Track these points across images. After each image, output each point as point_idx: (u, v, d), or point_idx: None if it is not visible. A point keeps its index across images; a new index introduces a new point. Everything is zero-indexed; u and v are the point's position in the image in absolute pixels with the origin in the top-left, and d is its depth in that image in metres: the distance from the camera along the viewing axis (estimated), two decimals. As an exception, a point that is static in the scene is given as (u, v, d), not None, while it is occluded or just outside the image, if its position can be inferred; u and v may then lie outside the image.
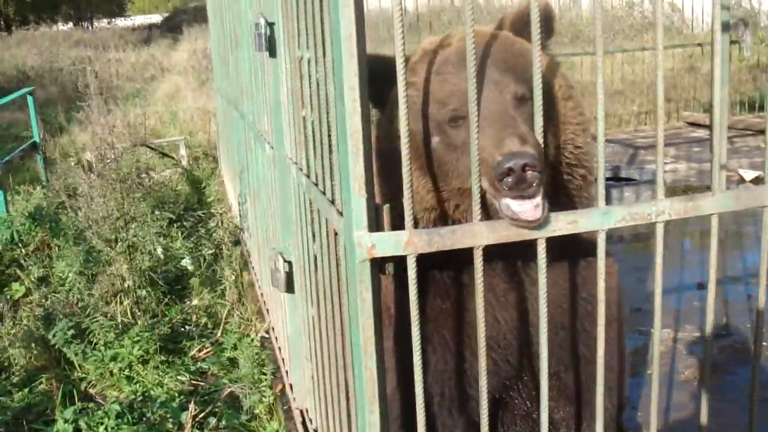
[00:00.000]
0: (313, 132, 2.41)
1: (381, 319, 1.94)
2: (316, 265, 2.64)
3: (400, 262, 1.88)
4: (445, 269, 2.46)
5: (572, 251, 2.48)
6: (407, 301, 1.87)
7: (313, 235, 2.60)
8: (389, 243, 1.83)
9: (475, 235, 1.87)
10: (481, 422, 2.00)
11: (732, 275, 5.23)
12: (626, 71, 12.67)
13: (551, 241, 1.94)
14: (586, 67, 11.78)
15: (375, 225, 1.85)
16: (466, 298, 2.49)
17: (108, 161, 5.83)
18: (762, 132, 10.46)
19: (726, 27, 6.85)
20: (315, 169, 2.43)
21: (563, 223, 1.93)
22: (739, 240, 6.14)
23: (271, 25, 3.12)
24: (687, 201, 2.04)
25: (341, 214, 1.98)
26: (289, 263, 3.29)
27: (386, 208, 1.86)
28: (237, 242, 6.42)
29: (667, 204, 2.01)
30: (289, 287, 3.30)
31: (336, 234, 2.15)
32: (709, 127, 7.42)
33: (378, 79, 2.04)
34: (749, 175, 8.05)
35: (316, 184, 2.39)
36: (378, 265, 1.88)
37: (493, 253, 2.08)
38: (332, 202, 2.14)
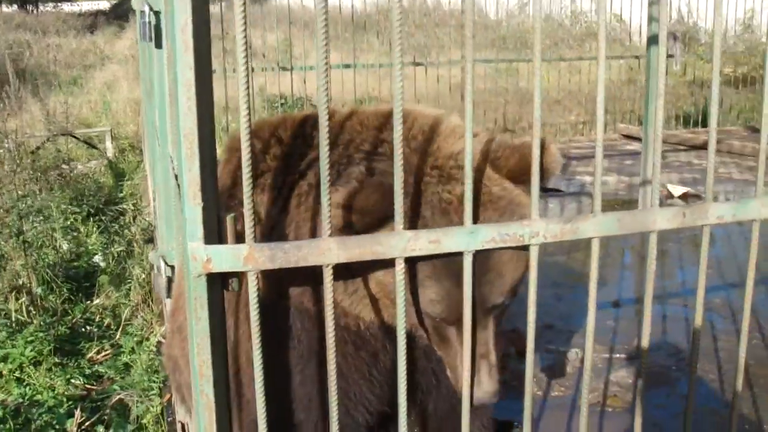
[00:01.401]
0: (173, 130, 2.22)
1: (223, 340, 1.76)
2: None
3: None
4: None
5: None
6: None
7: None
8: (227, 257, 1.65)
9: (324, 252, 1.70)
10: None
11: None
12: (564, 81, 12.63)
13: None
14: (530, 73, 11.71)
15: (216, 237, 1.67)
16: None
17: (30, 149, 5.55)
18: (694, 148, 10.49)
19: (656, 40, 6.78)
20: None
21: (424, 242, 1.76)
22: (660, 258, 6.07)
23: (156, 13, 2.92)
24: (564, 223, 1.90)
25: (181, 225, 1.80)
26: (172, 267, 3.10)
27: (229, 218, 1.69)
28: (150, 240, 6.19)
29: (542, 225, 1.86)
30: (170, 293, 3.10)
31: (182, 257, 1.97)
32: (641, 140, 7.35)
33: None
34: (677, 191, 8.02)
35: (179, 188, 2.21)
36: (219, 281, 1.71)
37: None
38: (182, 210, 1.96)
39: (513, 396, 3.05)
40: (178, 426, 3.35)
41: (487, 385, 2.20)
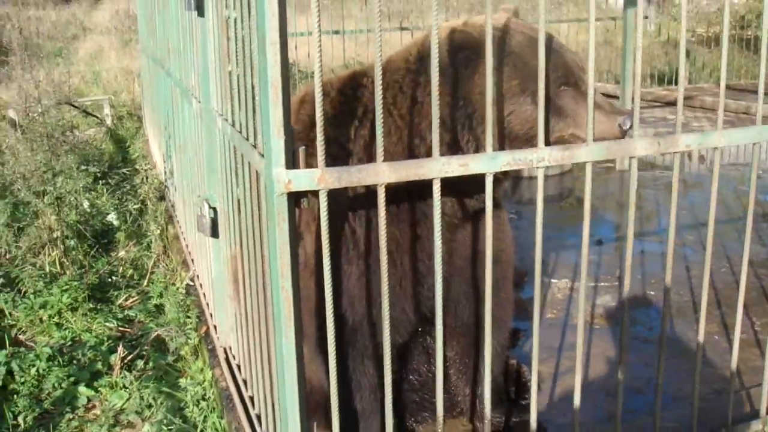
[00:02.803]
0: (238, 85, 2.66)
1: (297, 247, 2.21)
2: (239, 208, 2.90)
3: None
4: (399, 202, 2.76)
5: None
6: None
7: (237, 180, 2.85)
8: (304, 179, 2.10)
9: (378, 174, 2.16)
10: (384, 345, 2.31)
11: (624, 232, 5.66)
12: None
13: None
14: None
15: (292, 163, 2.12)
16: (415, 229, 2.79)
17: (35, 115, 5.94)
18: (668, 104, 11.02)
19: (633, 2, 7.25)
20: (239, 118, 2.68)
21: (455, 166, 2.23)
22: (639, 201, 6.58)
23: (200, -15, 3.34)
24: (564, 150, 2.37)
25: (262, 155, 2.24)
26: (214, 209, 3.54)
27: (302, 150, 2.14)
28: (162, 198, 6.61)
29: (546, 152, 2.33)
30: (214, 232, 3.55)
31: (258, 174, 2.41)
32: (618, 98, 7.83)
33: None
34: (653, 143, 8.51)
35: (240, 132, 2.65)
36: (294, 199, 2.16)
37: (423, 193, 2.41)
38: (254, 146, 2.40)
39: (518, 319, 3.57)
40: (220, 351, 3.80)
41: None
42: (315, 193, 2.15)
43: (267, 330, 2.63)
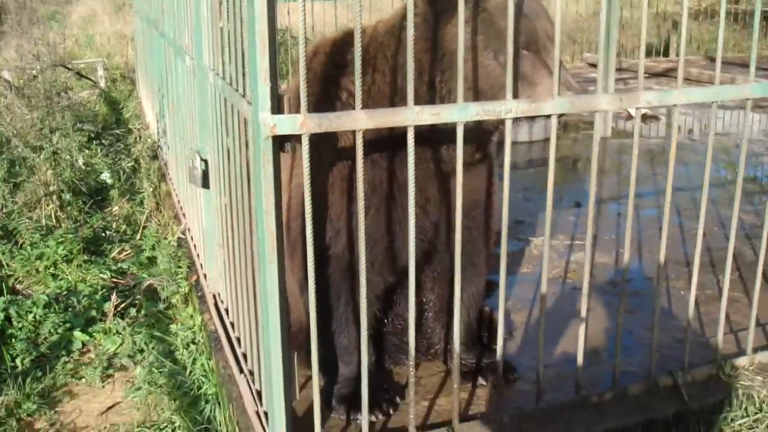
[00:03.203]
0: (229, 39, 2.83)
1: (280, 188, 2.39)
2: (229, 158, 3.08)
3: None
4: (384, 150, 2.92)
5: (474, 168, 3.03)
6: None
7: (227, 131, 3.03)
8: (287, 123, 2.28)
9: (356, 120, 2.34)
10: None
11: (607, 196, 5.86)
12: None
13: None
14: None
15: (277, 109, 2.29)
16: (397, 172, 2.94)
17: (33, 75, 6.08)
18: (655, 75, 11.19)
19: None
20: (230, 71, 2.86)
21: (428, 115, 2.41)
22: (616, 168, 6.77)
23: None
24: (531, 103, 2.55)
25: (250, 103, 2.41)
26: (205, 161, 3.71)
27: (286, 98, 2.32)
28: (155, 157, 6.78)
29: (514, 104, 2.51)
30: (205, 182, 3.72)
31: (245, 122, 2.58)
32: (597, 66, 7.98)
33: None
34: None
35: (231, 84, 2.82)
36: (279, 142, 2.33)
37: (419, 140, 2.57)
38: (243, 95, 2.57)
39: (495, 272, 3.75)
40: (209, 297, 3.99)
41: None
42: (298, 137, 2.33)
43: (253, 270, 2.81)
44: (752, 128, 8.25)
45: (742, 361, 3.36)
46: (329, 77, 2.92)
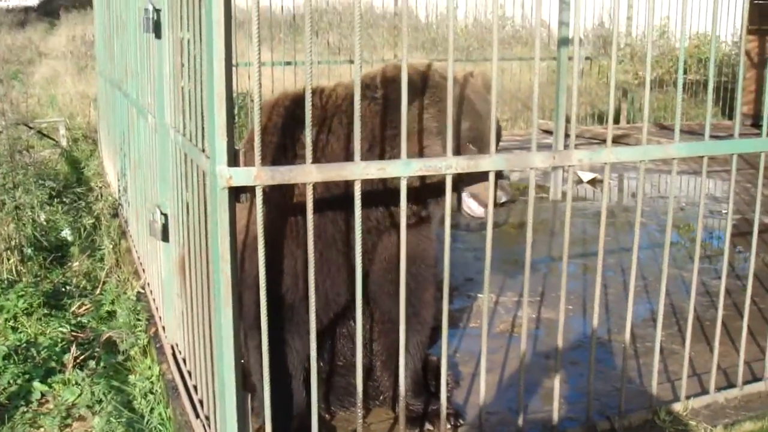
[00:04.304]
0: (190, 98, 3.01)
1: (235, 235, 2.55)
2: (188, 211, 3.23)
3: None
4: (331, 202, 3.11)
5: (415, 226, 3.23)
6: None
7: (186, 184, 3.19)
8: (243, 175, 2.45)
9: (307, 174, 2.52)
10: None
11: (556, 255, 6.07)
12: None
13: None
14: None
15: (233, 162, 2.47)
16: (341, 223, 3.14)
17: (-2, 132, 6.21)
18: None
19: (565, 42, 7.75)
20: (189, 128, 3.03)
21: (374, 170, 2.60)
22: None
23: (158, 11, 3.69)
24: (469, 160, 2.75)
25: (208, 157, 2.58)
26: (165, 216, 3.86)
27: (241, 153, 2.50)
28: (115, 215, 6.89)
29: (453, 161, 2.71)
30: (165, 236, 3.87)
31: (204, 174, 2.75)
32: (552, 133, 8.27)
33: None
34: (587, 176, 9.00)
35: (191, 140, 2.99)
36: (234, 193, 2.50)
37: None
38: (203, 150, 2.74)
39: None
40: (168, 348, 4.11)
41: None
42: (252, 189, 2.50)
43: (209, 318, 2.95)
44: (702, 191, 8.56)
45: (677, 407, 3.54)
46: (287, 129, 3.11)
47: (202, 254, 2.96)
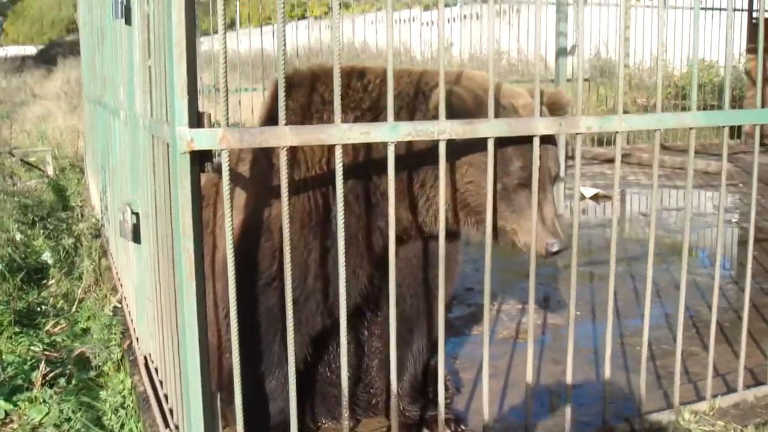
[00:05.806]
0: (155, 74, 2.71)
1: (199, 208, 2.24)
2: (155, 203, 2.92)
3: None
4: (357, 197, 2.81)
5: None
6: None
7: (154, 172, 2.88)
8: (206, 138, 2.15)
9: (280, 136, 2.21)
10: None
11: (563, 264, 5.77)
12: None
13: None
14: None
15: (195, 123, 2.16)
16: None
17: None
18: (606, 161, 11.32)
19: (563, 52, 7.51)
20: (156, 106, 2.73)
21: (357, 133, 2.30)
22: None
23: (127, -5, 3.42)
24: (466, 124, 2.45)
25: (169, 123, 2.28)
26: (137, 215, 3.55)
27: (207, 114, 2.19)
28: (97, 236, 6.59)
29: (447, 125, 2.41)
30: (136, 237, 3.55)
31: (168, 147, 2.44)
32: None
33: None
34: (589, 192, 8.72)
35: (157, 118, 2.69)
36: (197, 158, 2.19)
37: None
38: (166, 121, 2.44)
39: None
40: (140, 359, 3.78)
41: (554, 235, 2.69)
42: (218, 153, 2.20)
43: (177, 319, 2.63)
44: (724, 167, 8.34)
45: (702, 406, 3.22)
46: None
47: (170, 249, 2.65)
